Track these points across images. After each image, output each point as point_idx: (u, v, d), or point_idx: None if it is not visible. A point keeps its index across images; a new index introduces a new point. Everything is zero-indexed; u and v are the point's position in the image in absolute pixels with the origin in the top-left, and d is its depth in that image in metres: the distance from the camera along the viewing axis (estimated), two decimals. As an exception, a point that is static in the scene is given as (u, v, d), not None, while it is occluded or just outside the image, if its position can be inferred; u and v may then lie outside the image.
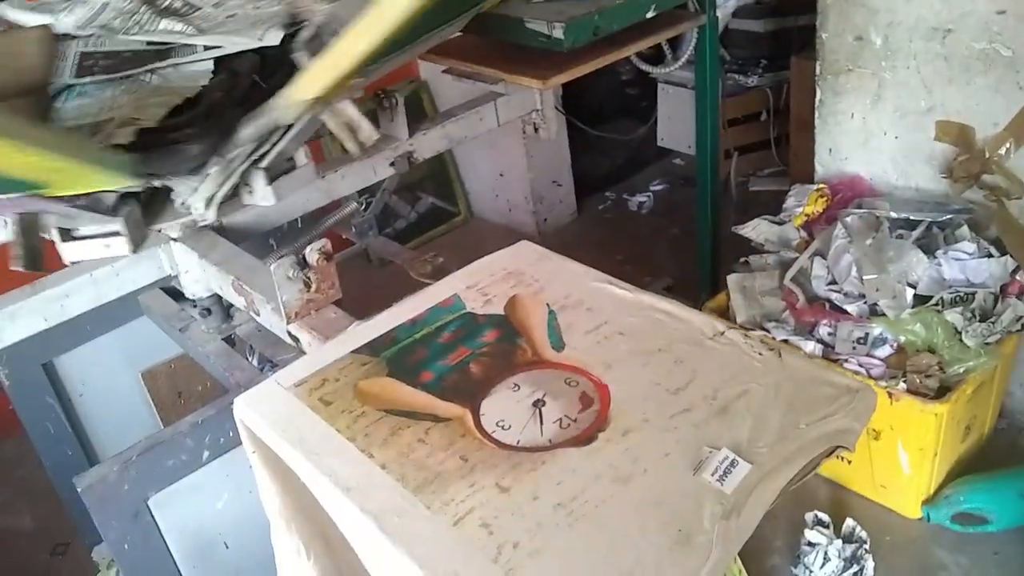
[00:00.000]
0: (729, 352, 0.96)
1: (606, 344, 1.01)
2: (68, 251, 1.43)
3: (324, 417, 0.96)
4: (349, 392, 0.99)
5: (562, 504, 0.81)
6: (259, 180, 1.47)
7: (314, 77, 1.25)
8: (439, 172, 3.42)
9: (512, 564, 0.76)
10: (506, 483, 0.85)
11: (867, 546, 1.83)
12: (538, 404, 0.94)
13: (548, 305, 1.09)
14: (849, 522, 1.87)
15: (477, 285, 1.15)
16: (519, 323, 1.07)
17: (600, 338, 1.02)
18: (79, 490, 1.31)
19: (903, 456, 1.85)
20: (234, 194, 1.49)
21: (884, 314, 1.90)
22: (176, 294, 1.72)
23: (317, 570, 1.09)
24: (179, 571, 1.41)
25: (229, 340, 1.62)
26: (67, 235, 1.43)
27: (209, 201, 1.42)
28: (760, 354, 0.95)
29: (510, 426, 0.91)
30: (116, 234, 1.42)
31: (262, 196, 1.49)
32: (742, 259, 2.21)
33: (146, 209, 1.47)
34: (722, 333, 0.99)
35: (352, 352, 1.06)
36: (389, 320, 1.11)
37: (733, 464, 0.82)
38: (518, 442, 0.89)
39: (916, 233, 1.98)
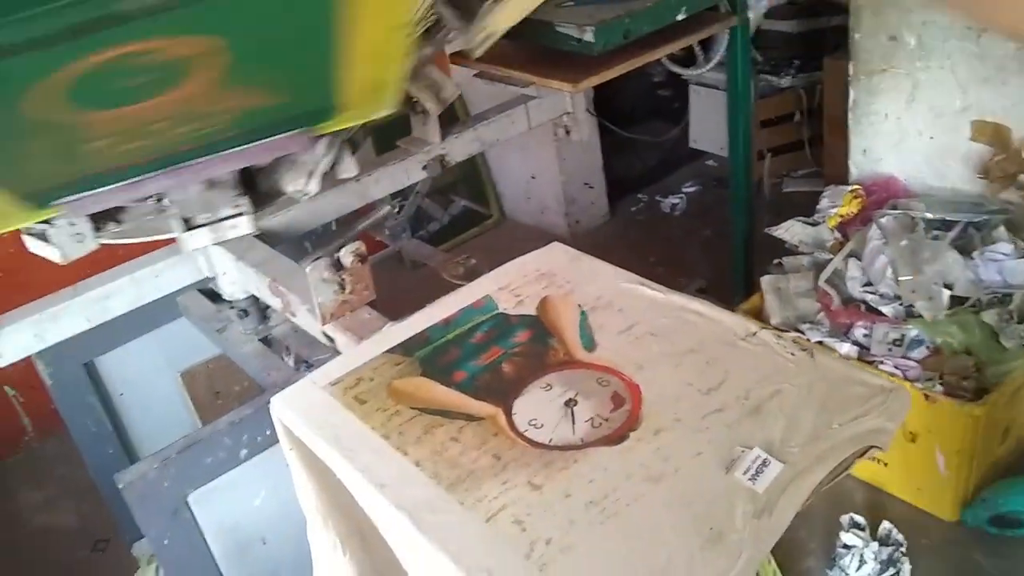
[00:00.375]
0: (761, 353, 0.97)
1: (637, 345, 1.01)
2: (193, 240, 1.45)
3: (359, 415, 0.97)
4: (383, 391, 1.01)
5: (594, 502, 0.82)
6: (345, 151, 1.49)
7: (510, 12, 1.45)
8: (471, 175, 3.44)
9: (545, 560, 0.77)
10: (538, 481, 0.85)
11: (903, 549, 1.82)
12: (570, 404, 0.94)
13: (579, 306, 1.10)
14: (885, 524, 1.86)
15: (509, 286, 1.16)
16: (551, 324, 1.08)
17: (631, 339, 1.02)
18: (120, 487, 1.34)
19: (940, 459, 1.84)
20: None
21: (920, 316, 1.89)
22: (214, 296, 1.74)
23: (353, 565, 1.11)
24: (218, 568, 1.43)
25: (266, 341, 1.65)
26: (189, 224, 1.44)
27: (311, 175, 1.44)
28: (792, 354, 0.95)
29: (542, 425, 0.92)
30: (239, 215, 1.44)
31: (346, 168, 1.51)
32: (776, 261, 2.20)
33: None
34: (754, 334, 0.99)
35: (386, 352, 1.08)
36: (422, 321, 1.12)
37: (765, 463, 0.82)
38: (550, 441, 0.90)
39: (952, 234, 1.96)
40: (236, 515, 1.44)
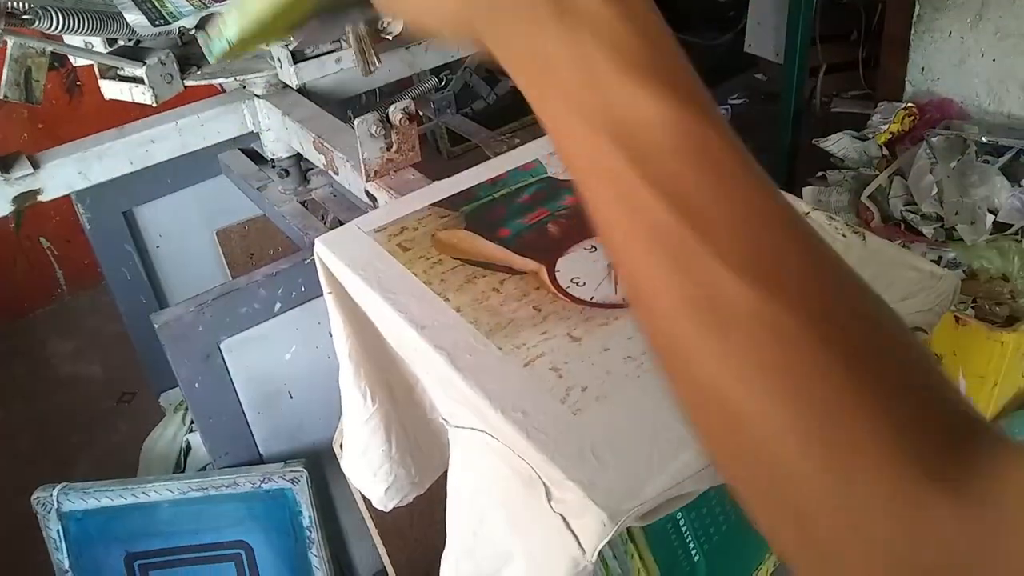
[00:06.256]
0: (811, 231, 0.96)
1: (686, 216, 1.00)
2: (107, 87, 1.44)
3: (402, 261, 0.98)
4: (427, 241, 1.01)
5: (632, 357, 0.83)
6: None
7: None
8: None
9: (579, 405, 0.78)
10: (577, 333, 0.86)
11: (915, 466, 1.83)
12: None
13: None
14: (899, 441, 1.87)
15: (559, 153, 1.15)
16: (599, 191, 1.07)
17: (680, 210, 1.01)
18: (156, 327, 1.35)
19: (962, 382, 1.84)
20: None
21: (960, 239, 1.87)
22: (254, 156, 1.74)
23: (380, 415, 1.13)
24: (245, 415, 1.46)
25: (304, 205, 1.65)
26: (110, 71, 1.43)
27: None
28: (843, 236, 0.94)
29: (584, 283, 0.92)
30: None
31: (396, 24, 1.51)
32: (819, 173, 2.18)
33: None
34: (807, 214, 0.98)
35: (432, 205, 1.07)
36: (469, 178, 1.12)
37: (807, 333, 0.82)
38: (592, 298, 0.90)
39: (1003, 159, 1.93)
40: (266, 367, 1.47)
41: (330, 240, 1.04)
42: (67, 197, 1.55)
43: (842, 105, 3.03)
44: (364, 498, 1.44)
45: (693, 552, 1.51)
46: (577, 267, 0.95)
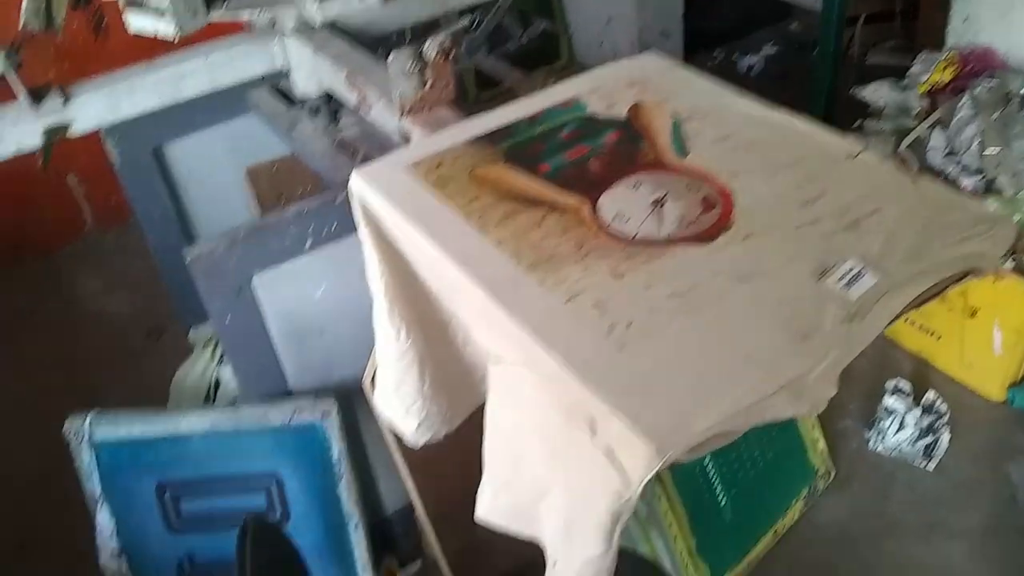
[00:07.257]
0: (863, 173, 0.93)
1: (733, 155, 0.98)
2: (132, 20, 1.43)
3: (439, 195, 0.96)
4: (464, 176, 0.99)
5: (677, 294, 0.81)
6: None
7: None
8: (546, 14, 3.31)
9: (625, 340, 0.77)
10: (621, 270, 0.84)
11: (946, 419, 1.82)
12: (658, 202, 0.92)
13: (675, 114, 1.06)
14: (931, 394, 1.85)
15: (600, 90, 1.13)
16: (642, 127, 1.05)
17: (726, 149, 0.99)
18: (187, 260, 1.35)
19: (997, 336, 1.81)
20: None
21: (1000, 191, 1.83)
22: (284, 96, 1.72)
23: (413, 352, 1.12)
24: (275, 351, 1.46)
25: (334, 145, 1.63)
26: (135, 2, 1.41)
27: None
28: (896, 178, 0.91)
29: (628, 219, 0.90)
30: None
31: None
32: (856, 123, 2.13)
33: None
34: (857, 155, 0.96)
35: (469, 141, 1.05)
36: (507, 115, 1.10)
37: (860, 274, 0.80)
38: (635, 235, 0.89)
39: (1049, 111, 1.88)
40: (297, 303, 1.46)
41: (366, 173, 1.02)
42: (95, 135, 1.54)
43: (878, 56, 2.96)
44: (393, 434, 1.45)
45: (720, 497, 1.51)
46: (621, 203, 0.93)
